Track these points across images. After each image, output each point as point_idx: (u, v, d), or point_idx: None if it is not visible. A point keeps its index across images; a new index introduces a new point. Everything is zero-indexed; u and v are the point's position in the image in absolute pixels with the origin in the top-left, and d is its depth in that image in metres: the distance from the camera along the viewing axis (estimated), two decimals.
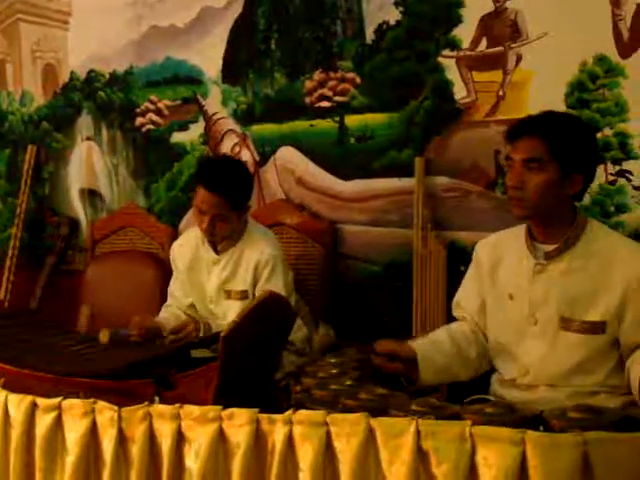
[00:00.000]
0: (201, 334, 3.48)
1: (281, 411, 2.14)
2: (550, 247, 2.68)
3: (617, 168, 3.53)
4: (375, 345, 2.77)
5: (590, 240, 2.66)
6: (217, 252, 3.69)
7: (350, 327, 3.98)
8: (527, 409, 2.23)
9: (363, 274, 4.24)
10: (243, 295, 3.62)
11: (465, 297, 2.97)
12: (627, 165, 3.52)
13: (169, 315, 3.74)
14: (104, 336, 3.21)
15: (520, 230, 2.78)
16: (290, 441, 2.09)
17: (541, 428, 2.02)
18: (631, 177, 3.52)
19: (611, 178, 3.53)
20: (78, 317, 3.35)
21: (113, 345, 3.20)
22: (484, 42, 3.81)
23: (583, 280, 2.63)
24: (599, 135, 3.51)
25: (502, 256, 2.84)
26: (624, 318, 2.59)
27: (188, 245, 3.81)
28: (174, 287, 3.87)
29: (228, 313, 3.56)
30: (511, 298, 2.77)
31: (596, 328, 2.61)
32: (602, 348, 2.62)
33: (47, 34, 5.33)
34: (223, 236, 3.62)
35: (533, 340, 2.71)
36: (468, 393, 2.76)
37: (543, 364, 2.69)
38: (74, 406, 2.37)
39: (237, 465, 2.14)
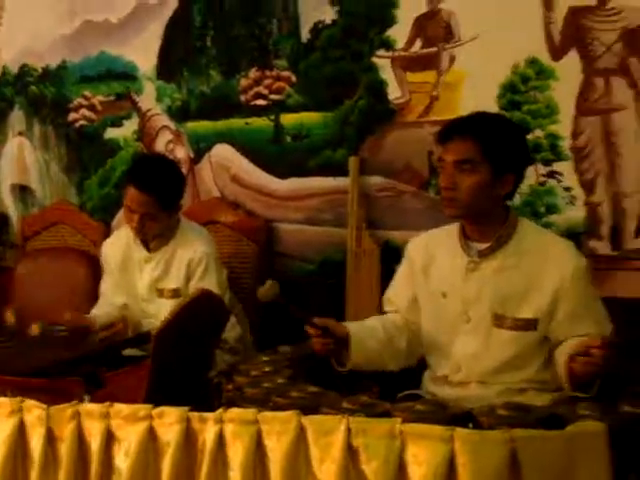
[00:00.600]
0: (130, 333, 3.46)
1: (213, 409, 2.13)
2: (483, 245, 2.70)
3: (547, 169, 3.59)
4: (315, 319, 2.78)
5: (522, 238, 2.68)
6: (149, 250, 3.66)
7: (284, 325, 3.97)
8: (457, 407, 2.25)
9: (298, 272, 4.25)
10: (175, 293, 3.60)
11: (395, 294, 2.97)
12: (557, 166, 3.58)
13: (101, 313, 3.71)
14: (35, 329, 3.17)
15: (453, 229, 2.79)
16: (221, 440, 2.07)
17: (470, 425, 2.04)
18: (561, 178, 3.58)
19: (542, 179, 3.59)
20: (3, 318, 3.32)
21: (43, 338, 3.16)
22: (418, 43, 3.84)
23: (516, 278, 2.65)
24: (530, 137, 3.56)
25: (434, 254, 2.85)
26: (555, 315, 2.62)
27: (119, 244, 3.78)
28: (105, 287, 3.84)
29: (160, 312, 3.53)
30: (444, 296, 2.78)
31: (528, 325, 2.63)
32: (533, 344, 2.65)
33: None
34: (154, 234, 3.60)
35: (466, 337, 2.73)
36: (400, 390, 2.78)
37: (475, 361, 2.71)
38: (1, 404, 2.33)
39: (167, 464, 2.12)
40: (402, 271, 2.96)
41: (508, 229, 2.68)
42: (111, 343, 3.19)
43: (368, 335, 2.84)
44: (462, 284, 2.73)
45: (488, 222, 2.69)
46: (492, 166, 2.61)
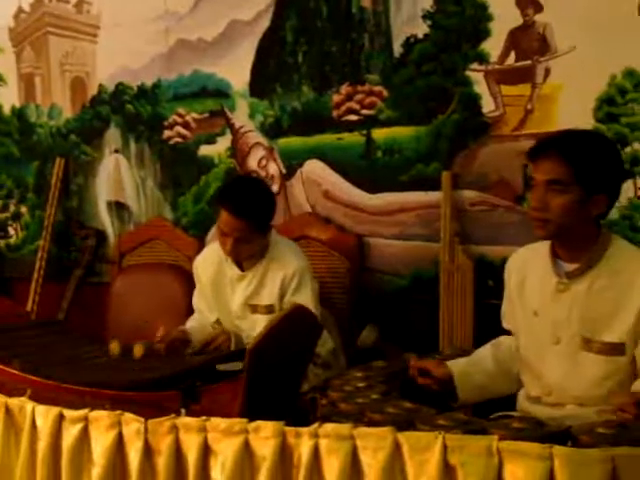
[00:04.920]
0: (232, 346, 3.47)
1: (307, 424, 2.13)
2: (572, 266, 2.65)
3: None
4: (410, 360, 2.84)
5: (613, 259, 2.60)
6: (242, 269, 3.69)
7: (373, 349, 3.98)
8: (555, 424, 2.21)
9: (390, 288, 4.22)
10: (269, 310, 3.62)
11: (504, 309, 2.95)
12: None
13: (197, 325, 3.75)
14: (138, 351, 3.20)
15: (545, 246, 2.74)
16: (316, 454, 2.08)
17: (569, 443, 2.00)
18: None
19: None
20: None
21: (146, 358, 3.20)
22: (512, 56, 3.79)
23: (604, 301, 2.58)
24: (628, 150, 3.49)
25: (528, 271, 2.81)
26: (639, 339, 2.55)
27: (211, 260, 3.80)
28: (198, 302, 3.88)
29: (255, 327, 3.53)
30: (535, 315, 2.74)
31: (616, 349, 2.56)
32: (624, 369, 2.57)
33: (76, 47, 5.37)
34: (248, 255, 3.63)
35: (556, 359, 2.68)
36: (494, 409, 2.74)
37: (565, 384, 2.66)
38: (100, 418, 2.37)
39: (263, 478, 2.13)
40: (505, 286, 2.92)
41: (599, 250, 2.61)
42: (209, 358, 3.21)
43: (474, 369, 2.87)
44: (552, 304, 2.68)
45: (578, 242, 2.63)
46: (583, 187, 2.55)
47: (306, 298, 3.49)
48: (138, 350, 3.20)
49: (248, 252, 3.59)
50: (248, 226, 3.49)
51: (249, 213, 3.49)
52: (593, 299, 2.60)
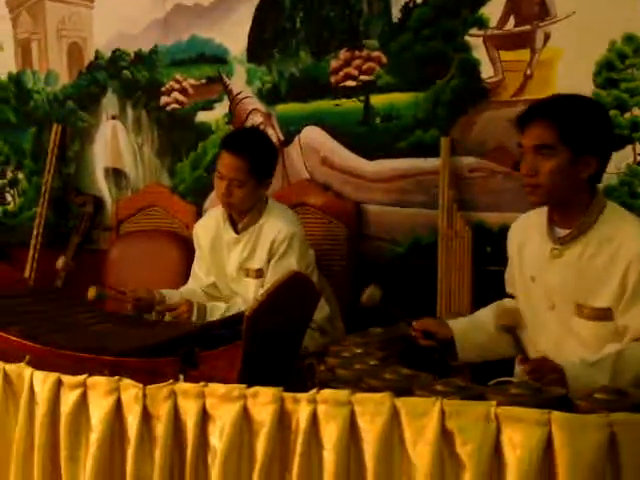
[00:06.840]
0: (194, 317, 3.50)
1: (305, 390, 2.14)
2: (565, 232, 2.67)
3: None
4: (414, 323, 2.86)
5: (605, 226, 2.63)
6: (237, 232, 3.70)
7: (374, 308, 3.96)
8: (553, 390, 2.22)
9: (387, 255, 4.22)
10: (259, 274, 3.67)
11: (507, 274, 2.99)
12: None
13: (187, 289, 3.81)
14: (91, 294, 3.30)
15: (544, 212, 2.76)
16: (314, 420, 2.08)
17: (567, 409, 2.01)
18: None
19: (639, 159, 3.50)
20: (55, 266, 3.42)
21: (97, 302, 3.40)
22: (512, 21, 3.77)
23: (595, 266, 2.60)
24: (627, 115, 3.48)
25: (527, 237, 2.84)
26: (621, 302, 2.57)
27: (210, 224, 3.84)
28: (197, 266, 3.90)
29: (247, 291, 3.64)
30: (532, 280, 2.77)
31: (605, 315, 2.59)
32: (612, 334, 2.59)
33: (72, 13, 5.33)
34: (241, 208, 3.65)
35: (550, 324, 2.70)
36: (492, 375, 2.75)
37: (558, 350, 2.67)
38: (99, 384, 2.37)
39: (261, 443, 2.14)
40: (508, 252, 2.94)
41: (591, 215, 2.63)
42: (206, 324, 3.22)
43: (476, 331, 2.91)
44: (547, 270, 2.71)
45: (571, 207, 2.65)
46: (570, 149, 2.56)
47: (290, 264, 3.53)
48: (91, 292, 3.38)
49: (241, 200, 3.61)
50: (244, 166, 3.54)
51: (247, 152, 3.55)
52: (584, 265, 2.62)
